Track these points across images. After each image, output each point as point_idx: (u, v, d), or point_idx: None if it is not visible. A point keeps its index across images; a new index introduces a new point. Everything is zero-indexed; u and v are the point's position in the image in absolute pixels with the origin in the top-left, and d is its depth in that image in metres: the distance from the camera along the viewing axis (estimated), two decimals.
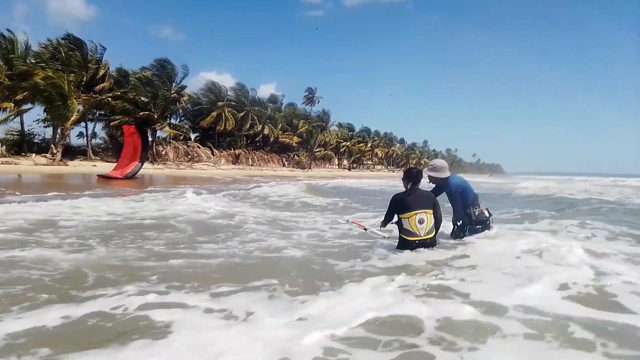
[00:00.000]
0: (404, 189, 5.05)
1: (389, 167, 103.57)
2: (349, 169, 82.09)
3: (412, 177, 5.00)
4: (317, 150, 72.64)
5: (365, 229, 5.68)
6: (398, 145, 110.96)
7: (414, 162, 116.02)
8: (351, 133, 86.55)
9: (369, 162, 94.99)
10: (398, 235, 4.99)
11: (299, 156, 67.19)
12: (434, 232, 4.85)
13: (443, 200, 5.35)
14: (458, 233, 5.41)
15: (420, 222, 4.77)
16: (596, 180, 52.15)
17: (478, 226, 5.31)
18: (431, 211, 4.84)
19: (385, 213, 5.21)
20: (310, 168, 66.70)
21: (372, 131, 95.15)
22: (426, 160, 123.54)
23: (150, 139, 46.01)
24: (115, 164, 27.10)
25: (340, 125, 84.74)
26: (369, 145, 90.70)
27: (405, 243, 4.84)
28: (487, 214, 5.35)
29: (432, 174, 5.50)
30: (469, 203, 5.32)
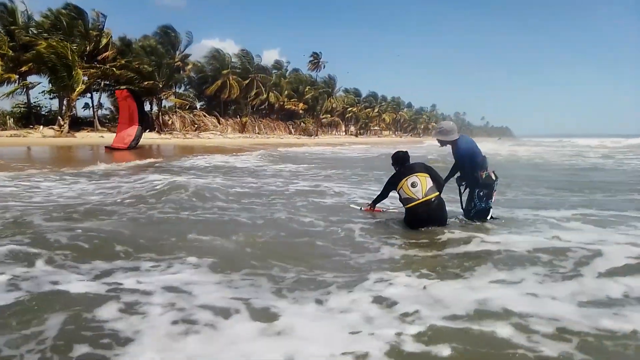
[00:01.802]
0: None
1: (396, 133, 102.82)
2: (356, 135, 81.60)
3: (399, 159, 5.22)
4: (324, 116, 72.06)
5: (379, 211, 5.74)
6: (406, 109, 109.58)
7: (422, 126, 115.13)
8: (358, 98, 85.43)
9: (376, 128, 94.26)
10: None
11: (305, 123, 66.78)
12: (435, 193, 4.83)
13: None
14: (469, 208, 5.33)
15: (413, 185, 4.82)
16: (590, 141, 52.98)
17: (484, 190, 5.26)
18: (424, 174, 4.90)
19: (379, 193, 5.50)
20: (317, 135, 66.39)
21: (379, 96, 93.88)
22: (434, 124, 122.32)
23: (156, 108, 46.12)
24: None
25: (346, 90, 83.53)
26: (376, 110, 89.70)
27: (409, 213, 4.89)
28: (493, 177, 5.28)
29: (440, 137, 5.44)
30: (477, 166, 5.26)
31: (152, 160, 16.28)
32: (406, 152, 5.33)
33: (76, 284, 3.03)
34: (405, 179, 4.90)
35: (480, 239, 4.40)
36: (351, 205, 6.22)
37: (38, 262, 3.46)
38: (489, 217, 5.32)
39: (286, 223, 5.30)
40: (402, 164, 5.17)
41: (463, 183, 5.45)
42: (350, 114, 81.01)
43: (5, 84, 33.43)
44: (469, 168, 5.29)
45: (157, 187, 7.59)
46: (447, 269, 3.60)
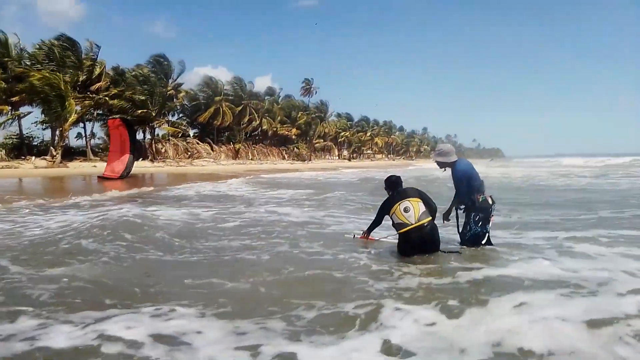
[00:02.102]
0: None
1: (389, 156, 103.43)
2: (349, 159, 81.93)
3: (392, 184, 5.19)
4: (317, 141, 72.51)
5: (375, 240, 5.65)
6: (398, 133, 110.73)
7: (414, 149, 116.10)
8: (350, 123, 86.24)
9: (369, 152, 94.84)
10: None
11: (298, 148, 67.03)
12: (428, 218, 4.78)
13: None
14: (465, 232, 5.31)
15: (406, 210, 4.77)
16: (576, 160, 54.80)
17: (480, 214, 5.21)
18: (417, 199, 4.87)
19: (372, 220, 5.37)
20: (310, 160, 66.57)
21: (371, 120, 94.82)
22: (426, 147, 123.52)
23: (149, 136, 46.10)
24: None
25: (339, 115, 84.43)
26: (369, 134, 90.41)
27: (402, 238, 4.82)
28: (490, 202, 5.26)
29: (439, 159, 5.46)
30: (474, 189, 5.24)
31: (143, 189, 16.01)
32: (399, 177, 5.30)
33: (58, 338, 2.79)
34: (397, 203, 4.86)
35: (489, 267, 4.31)
36: (345, 235, 6.12)
37: (20, 318, 3.14)
38: (483, 242, 5.25)
39: (293, 256, 5.15)
40: (395, 189, 5.15)
41: (460, 207, 5.41)
42: (343, 139, 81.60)
43: None
44: (466, 191, 5.26)
45: (142, 221, 7.29)
46: (463, 300, 3.43)
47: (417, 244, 4.73)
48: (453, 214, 5.50)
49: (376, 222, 5.33)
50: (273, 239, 6.15)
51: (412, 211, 4.76)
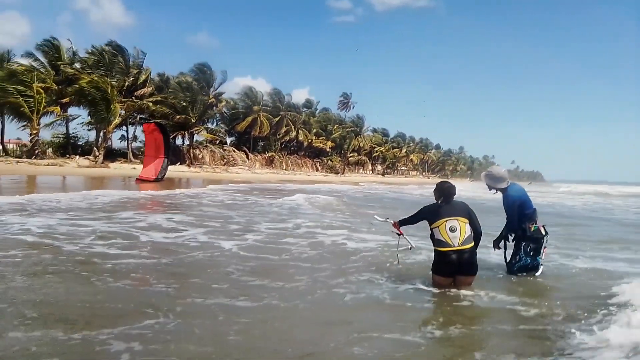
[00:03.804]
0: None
1: (424, 173, 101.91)
2: (383, 175, 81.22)
3: (443, 191, 4.63)
4: (351, 155, 72.25)
5: (400, 234, 5.13)
6: (434, 151, 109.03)
7: (450, 168, 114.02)
8: (385, 138, 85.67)
9: (403, 168, 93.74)
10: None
11: (332, 161, 67.02)
12: (471, 244, 4.39)
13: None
14: (513, 262, 4.96)
15: (452, 229, 4.37)
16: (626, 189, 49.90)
17: (531, 244, 4.87)
18: (465, 220, 4.44)
19: (409, 215, 4.89)
20: (343, 173, 66.38)
21: (407, 136, 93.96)
22: (462, 166, 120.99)
23: (187, 142, 47.23)
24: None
25: (374, 130, 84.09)
26: (404, 150, 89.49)
27: (439, 256, 4.42)
28: (543, 232, 4.90)
29: (488, 182, 5.15)
30: (526, 217, 4.90)
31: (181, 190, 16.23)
32: (453, 186, 4.78)
33: None
34: (445, 219, 4.43)
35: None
36: (375, 216, 5.74)
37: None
38: (538, 273, 4.89)
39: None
40: (446, 198, 4.62)
41: (510, 237, 5.06)
42: (377, 153, 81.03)
43: (48, 115, 34.93)
44: (517, 219, 4.92)
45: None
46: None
47: (455, 265, 4.37)
48: (503, 243, 5.14)
49: (411, 222, 4.88)
50: None
51: (458, 232, 4.37)
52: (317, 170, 64.11)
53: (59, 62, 35.00)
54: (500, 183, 5.05)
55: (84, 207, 9.88)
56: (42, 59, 35.13)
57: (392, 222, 5.13)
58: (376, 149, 79.91)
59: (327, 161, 66.89)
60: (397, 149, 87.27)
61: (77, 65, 36.60)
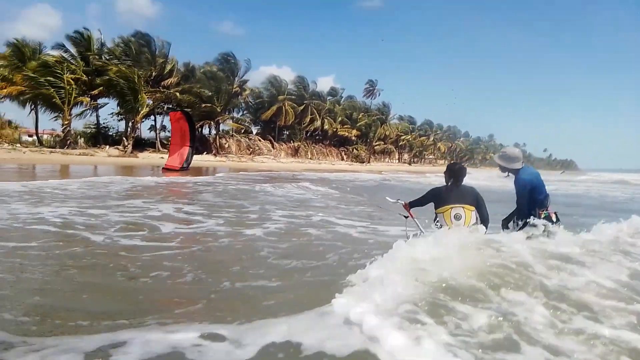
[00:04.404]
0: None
1: (452, 162, 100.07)
2: (410, 164, 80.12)
3: (453, 172, 4.52)
4: (377, 143, 71.43)
5: (408, 217, 4.99)
6: (462, 139, 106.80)
7: (480, 157, 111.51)
8: (412, 126, 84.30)
9: (431, 157, 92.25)
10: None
11: (357, 150, 66.45)
12: None
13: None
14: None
15: (457, 217, 4.28)
16: None
17: None
18: (471, 207, 4.35)
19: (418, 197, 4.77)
20: (369, 162, 65.81)
21: (434, 124, 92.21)
22: (492, 154, 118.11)
23: (214, 131, 47.70)
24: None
25: (401, 118, 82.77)
26: (431, 139, 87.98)
27: None
28: (554, 219, 4.59)
29: (501, 162, 4.85)
30: (537, 203, 4.61)
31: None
32: (464, 167, 4.71)
33: None
34: (451, 206, 4.34)
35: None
36: (386, 198, 5.65)
37: None
38: None
39: None
40: (456, 180, 4.51)
41: (519, 222, 4.73)
42: (404, 142, 79.85)
43: (78, 105, 35.80)
44: (527, 204, 4.62)
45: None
46: None
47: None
48: (512, 224, 4.84)
49: (420, 203, 4.79)
50: None
51: (463, 220, 4.29)
52: (343, 159, 63.75)
53: (88, 53, 35.71)
54: (514, 163, 4.76)
55: (94, 194, 10.00)
56: (72, 50, 35.91)
57: (403, 203, 5.02)
58: (402, 137, 78.74)
59: (353, 150, 66.37)
60: (424, 137, 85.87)
61: (105, 56, 37.26)
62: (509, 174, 4.83)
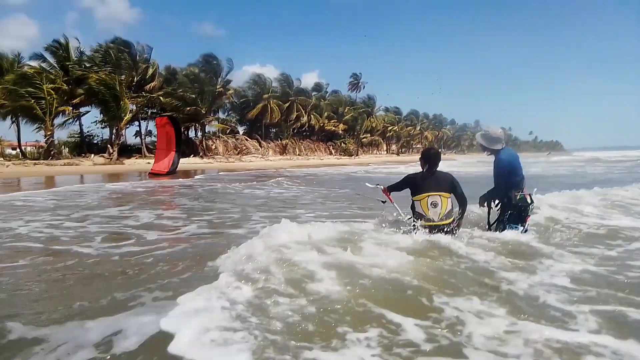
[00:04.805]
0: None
1: (440, 150, 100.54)
2: (398, 154, 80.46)
3: (428, 157, 4.63)
4: (364, 136, 71.59)
5: (385, 202, 5.13)
6: (448, 127, 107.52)
7: (467, 143, 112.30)
8: (398, 117, 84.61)
9: (418, 146, 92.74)
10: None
11: (345, 143, 66.54)
12: (451, 219, 4.43)
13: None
14: (496, 231, 4.81)
15: (434, 205, 4.41)
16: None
17: (515, 212, 4.73)
18: (447, 194, 4.47)
19: (395, 182, 4.93)
20: (357, 155, 65.97)
21: (420, 114, 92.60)
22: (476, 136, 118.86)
23: (200, 133, 47.45)
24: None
25: (387, 109, 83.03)
26: (418, 128, 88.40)
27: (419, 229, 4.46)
28: (528, 200, 4.75)
29: (482, 142, 4.98)
30: (513, 184, 4.74)
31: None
32: (439, 152, 4.84)
33: None
34: (427, 194, 4.44)
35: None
36: (366, 184, 5.84)
37: None
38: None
39: None
40: (431, 166, 4.60)
41: (495, 200, 4.92)
42: (391, 133, 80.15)
43: (60, 115, 35.39)
44: (504, 185, 4.77)
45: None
46: None
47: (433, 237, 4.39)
48: (488, 203, 5.04)
49: (397, 188, 4.91)
50: None
51: (440, 207, 4.41)
52: (331, 153, 63.80)
53: (67, 63, 35.27)
54: (495, 144, 4.88)
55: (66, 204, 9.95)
56: (51, 60, 35.40)
57: (382, 187, 5.14)
58: (389, 129, 79.06)
59: (340, 144, 66.44)
60: (410, 127, 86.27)
61: (84, 64, 36.83)
62: (490, 153, 4.96)
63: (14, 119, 34.90)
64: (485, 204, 5.02)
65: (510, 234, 4.58)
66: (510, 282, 3.30)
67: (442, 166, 4.72)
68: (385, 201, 5.09)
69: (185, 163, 30.06)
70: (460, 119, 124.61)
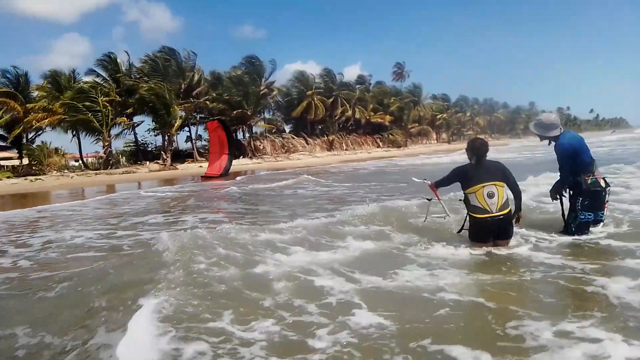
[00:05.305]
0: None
1: (493, 135, 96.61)
2: (449, 142, 77.98)
3: (475, 149, 4.34)
4: (412, 126, 69.83)
5: (431, 199, 4.95)
6: (501, 110, 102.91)
7: (522, 126, 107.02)
8: (447, 104, 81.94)
9: (470, 133, 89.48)
10: (467, 218, 4.38)
11: (393, 135, 65.22)
12: (508, 208, 4.17)
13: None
14: (570, 222, 4.41)
15: (490, 195, 4.13)
16: None
17: (588, 199, 4.28)
18: (502, 184, 4.20)
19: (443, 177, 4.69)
20: (406, 146, 64.54)
21: (470, 99, 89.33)
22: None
23: (247, 135, 48.17)
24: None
25: (434, 97, 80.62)
26: (468, 114, 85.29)
27: (477, 223, 4.23)
28: (602, 184, 4.29)
29: (537, 131, 4.60)
30: (580, 168, 4.28)
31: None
32: (486, 142, 4.48)
33: None
34: (482, 185, 4.14)
35: None
36: (413, 178, 5.69)
37: None
38: (598, 229, 4.41)
39: None
40: (479, 158, 4.29)
41: (564, 193, 4.54)
42: (440, 121, 77.69)
43: (116, 126, 37.04)
44: (570, 170, 4.35)
45: None
46: None
47: (493, 231, 4.22)
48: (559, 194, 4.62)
49: (445, 183, 4.71)
50: None
51: (496, 198, 4.12)
52: (379, 146, 62.78)
53: (118, 75, 36.84)
54: (552, 131, 4.48)
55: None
56: (103, 74, 37.17)
57: (429, 183, 4.92)
58: (438, 117, 76.67)
59: (388, 136, 65.19)
60: (460, 114, 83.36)
61: (134, 75, 38.30)
62: (550, 142, 4.56)
63: (74, 132, 36.86)
64: (557, 197, 4.58)
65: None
66: (606, 289, 2.72)
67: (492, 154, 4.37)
68: (431, 198, 4.89)
69: (236, 165, 30.40)
70: (514, 102, 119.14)
